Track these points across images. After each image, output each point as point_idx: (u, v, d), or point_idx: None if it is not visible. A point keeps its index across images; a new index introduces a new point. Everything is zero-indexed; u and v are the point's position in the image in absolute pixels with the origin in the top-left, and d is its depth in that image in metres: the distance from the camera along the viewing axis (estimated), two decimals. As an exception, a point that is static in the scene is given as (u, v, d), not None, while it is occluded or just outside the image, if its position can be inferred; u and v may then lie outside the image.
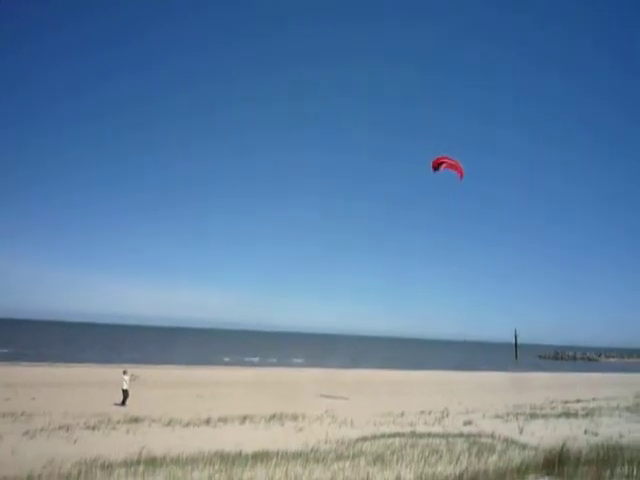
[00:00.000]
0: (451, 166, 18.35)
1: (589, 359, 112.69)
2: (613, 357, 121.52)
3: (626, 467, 5.82)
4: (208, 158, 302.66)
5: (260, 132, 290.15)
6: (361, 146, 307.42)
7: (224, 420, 17.22)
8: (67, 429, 14.62)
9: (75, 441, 13.12)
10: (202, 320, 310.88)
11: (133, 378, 22.36)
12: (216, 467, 7.35)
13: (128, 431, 14.88)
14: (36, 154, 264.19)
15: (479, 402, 24.69)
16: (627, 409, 21.69)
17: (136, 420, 16.61)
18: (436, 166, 18.17)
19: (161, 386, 28.32)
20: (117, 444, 12.51)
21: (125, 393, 21.28)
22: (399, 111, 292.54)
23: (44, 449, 11.73)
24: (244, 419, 17.39)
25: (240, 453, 9.44)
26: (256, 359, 63.87)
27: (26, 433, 13.89)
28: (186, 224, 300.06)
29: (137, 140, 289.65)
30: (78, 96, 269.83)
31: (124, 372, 21.95)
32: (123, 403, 21.01)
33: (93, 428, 15.01)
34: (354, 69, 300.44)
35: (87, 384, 28.38)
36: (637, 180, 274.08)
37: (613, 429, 15.16)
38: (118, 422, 16.14)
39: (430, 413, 20.44)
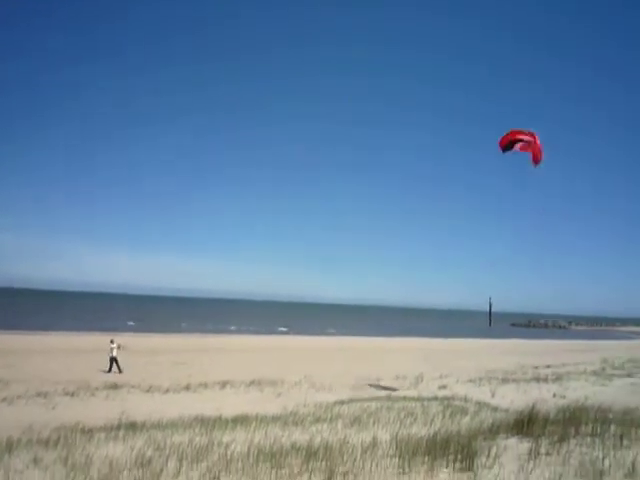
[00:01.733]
0: (526, 147, 13.77)
1: (560, 327, 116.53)
2: (582, 325, 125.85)
3: (590, 426, 6.10)
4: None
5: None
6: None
7: (204, 386, 17.40)
8: (45, 396, 14.61)
9: (54, 407, 13.15)
10: (189, 290, 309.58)
11: (120, 347, 22.45)
12: (196, 430, 7.44)
13: (107, 397, 14.96)
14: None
15: (453, 367, 25.43)
16: (593, 373, 22.63)
17: (115, 386, 16.67)
18: (507, 144, 13.89)
19: (144, 354, 28.36)
20: (96, 410, 12.58)
21: (112, 361, 21.52)
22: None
23: (23, 415, 11.72)
24: (224, 385, 17.61)
25: (220, 417, 9.58)
26: (234, 328, 64.35)
27: (4, 400, 13.85)
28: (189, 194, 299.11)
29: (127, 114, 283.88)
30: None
31: (111, 341, 22.07)
32: (109, 370, 21.23)
33: (72, 395, 15.03)
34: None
35: (67, 351, 28.24)
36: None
37: (580, 392, 15.81)
38: (97, 389, 16.18)
39: (406, 378, 21.00)
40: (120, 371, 21.28)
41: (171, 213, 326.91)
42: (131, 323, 60.05)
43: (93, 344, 30.23)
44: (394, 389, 17.78)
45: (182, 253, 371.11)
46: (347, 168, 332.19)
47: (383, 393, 15.93)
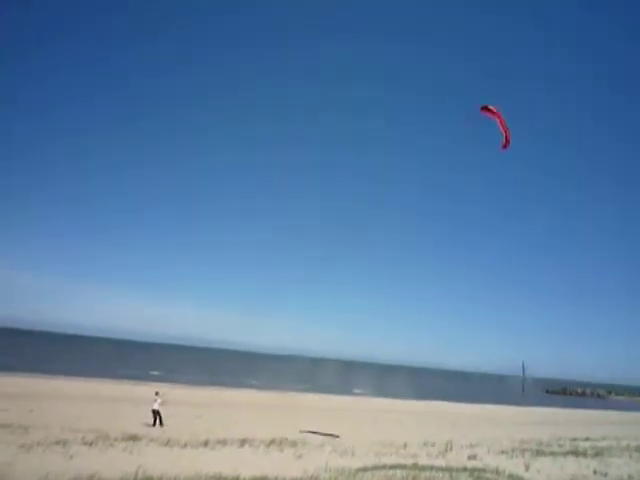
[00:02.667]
0: (498, 120, 15.20)
1: (598, 396, 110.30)
2: (623, 395, 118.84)
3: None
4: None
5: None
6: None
7: (222, 442, 16.91)
8: (64, 444, 14.43)
9: (71, 457, 12.93)
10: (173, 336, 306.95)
11: (164, 399, 21.58)
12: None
13: (125, 449, 14.65)
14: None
15: (484, 436, 24.09)
16: (637, 449, 21.04)
17: (134, 438, 16.36)
18: (484, 110, 15.28)
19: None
20: (113, 462, 12.31)
21: (156, 414, 20.65)
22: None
23: (40, 463, 11.55)
24: (243, 442, 17.08)
25: (238, 477, 9.22)
26: (255, 382, 63.19)
27: (22, 446, 13.72)
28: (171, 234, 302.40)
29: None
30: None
31: (156, 393, 21.53)
32: (154, 424, 20.38)
33: (90, 444, 14.80)
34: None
35: (89, 399, 28.16)
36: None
37: (623, 470, 14.69)
38: (115, 439, 15.91)
39: (433, 445, 19.94)
40: (154, 424, 20.33)
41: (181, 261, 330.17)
42: (155, 373, 59.81)
43: (119, 392, 30.10)
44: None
45: (194, 301, 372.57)
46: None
47: (409, 461, 15.09)
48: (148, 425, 20.34)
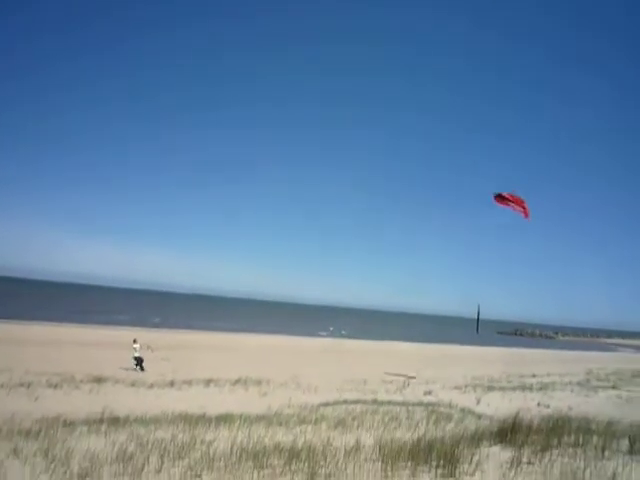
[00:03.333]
0: (514, 205, 15.99)
1: (546, 337, 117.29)
2: (568, 335, 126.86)
3: (573, 436, 6.15)
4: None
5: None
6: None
7: (189, 383, 17.30)
8: (28, 386, 14.45)
9: (36, 398, 13.00)
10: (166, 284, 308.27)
11: (144, 347, 22.24)
12: (179, 427, 7.40)
13: (91, 391, 14.82)
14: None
15: (439, 374, 25.50)
16: (578, 384, 22.81)
17: (99, 380, 16.51)
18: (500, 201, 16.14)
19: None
20: (79, 403, 12.46)
21: (138, 360, 21.09)
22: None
23: (4, 404, 11.58)
24: (208, 382, 17.52)
25: (204, 415, 9.53)
26: (223, 324, 64.10)
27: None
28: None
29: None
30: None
31: (134, 341, 21.79)
32: (141, 369, 20.79)
33: (55, 386, 14.88)
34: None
35: (55, 343, 27.99)
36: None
37: (564, 402, 15.93)
38: (81, 381, 16.03)
39: (392, 382, 21.01)
40: (142, 369, 20.77)
41: (170, 209, 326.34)
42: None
43: (88, 336, 29.94)
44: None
45: (179, 250, 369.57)
46: (349, 166, 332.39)
47: (369, 397, 15.91)
48: (126, 369, 20.49)
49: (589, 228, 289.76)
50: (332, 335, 63.62)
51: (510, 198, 15.75)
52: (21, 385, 14.55)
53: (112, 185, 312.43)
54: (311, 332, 63.42)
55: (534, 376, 26.44)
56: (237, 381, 18.15)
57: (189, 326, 55.44)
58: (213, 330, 54.06)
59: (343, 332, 70.63)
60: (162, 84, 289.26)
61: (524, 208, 15.87)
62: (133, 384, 16.40)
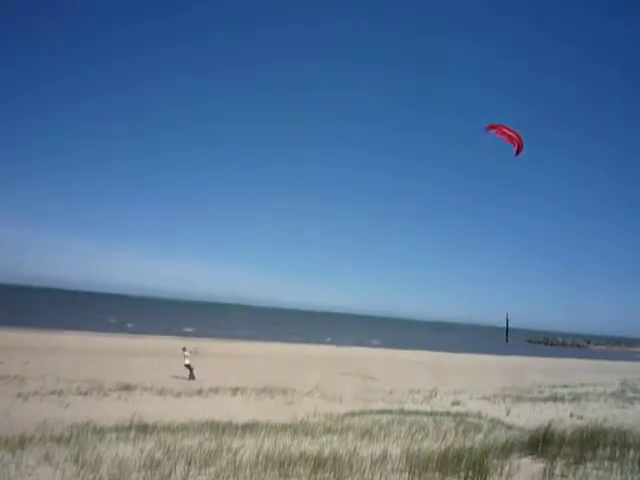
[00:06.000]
0: (504, 134, 15.14)
1: (578, 345, 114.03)
2: (601, 345, 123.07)
3: (608, 449, 5.93)
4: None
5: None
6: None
7: (215, 391, 17.42)
8: (59, 394, 14.77)
9: (67, 405, 13.28)
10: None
11: (195, 353, 22.74)
12: (206, 435, 7.45)
13: (119, 398, 15.06)
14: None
15: (468, 384, 25.03)
16: (612, 395, 22.06)
17: (128, 388, 16.76)
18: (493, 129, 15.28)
19: (147, 355, 28.54)
20: (108, 410, 12.66)
21: (189, 367, 21.41)
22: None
23: (37, 411, 11.86)
24: (235, 391, 17.60)
25: (230, 423, 9.56)
26: (248, 332, 64.39)
27: (19, 396, 14.04)
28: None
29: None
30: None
31: (184, 349, 22.16)
32: (192, 377, 21.01)
33: (85, 394, 15.17)
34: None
35: (81, 351, 28.57)
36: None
37: (598, 413, 15.42)
38: (110, 389, 16.30)
39: (419, 392, 20.72)
40: (192, 377, 20.95)
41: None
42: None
43: (108, 344, 30.40)
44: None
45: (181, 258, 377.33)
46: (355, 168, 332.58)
47: (396, 406, 15.72)
48: (178, 378, 20.72)
49: (623, 237, 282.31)
50: (353, 343, 63.16)
51: (504, 128, 14.84)
52: (53, 393, 14.90)
53: (144, 197, 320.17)
54: (338, 341, 63.03)
55: (566, 386, 25.70)
56: (263, 390, 18.18)
57: (211, 335, 55.79)
58: (237, 339, 54.27)
59: (375, 341, 69.92)
60: (163, 98, 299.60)
61: (518, 141, 14.84)
62: (161, 392, 16.59)
